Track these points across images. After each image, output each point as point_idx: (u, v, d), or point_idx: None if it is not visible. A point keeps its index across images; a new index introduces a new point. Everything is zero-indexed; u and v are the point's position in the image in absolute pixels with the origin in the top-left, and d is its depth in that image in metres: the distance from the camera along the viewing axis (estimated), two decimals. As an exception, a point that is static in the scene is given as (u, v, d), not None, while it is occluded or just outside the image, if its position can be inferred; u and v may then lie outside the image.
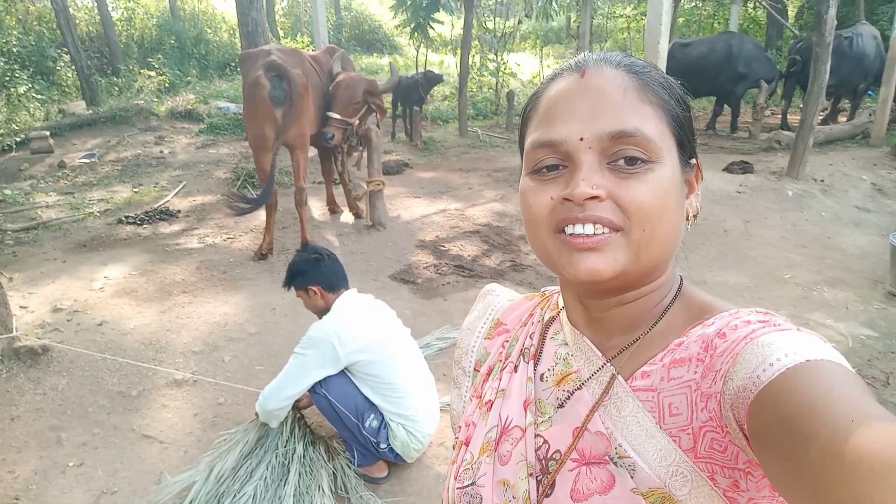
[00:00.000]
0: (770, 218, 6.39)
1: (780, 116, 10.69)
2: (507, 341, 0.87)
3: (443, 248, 5.49)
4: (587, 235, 0.63)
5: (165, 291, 4.50)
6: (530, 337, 0.83)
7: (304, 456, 2.83)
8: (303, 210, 5.32)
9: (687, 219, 0.72)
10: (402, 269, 5.03)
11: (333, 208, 6.49)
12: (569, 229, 0.64)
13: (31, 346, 3.55)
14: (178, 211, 6.64)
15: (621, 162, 0.64)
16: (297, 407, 2.98)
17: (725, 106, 10.47)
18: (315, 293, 2.80)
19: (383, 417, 2.75)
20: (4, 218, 6.37)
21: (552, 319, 0.83)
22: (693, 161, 0.72)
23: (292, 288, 2.88)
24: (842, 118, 10.58)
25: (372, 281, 4.75)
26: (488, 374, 0.86)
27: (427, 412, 2.84)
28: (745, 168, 7.50)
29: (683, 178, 0.70)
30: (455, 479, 0.80)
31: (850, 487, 0.43)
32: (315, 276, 2.80)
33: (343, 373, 2.74)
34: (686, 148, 0.70)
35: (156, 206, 6.74)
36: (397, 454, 2.78)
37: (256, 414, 2.88)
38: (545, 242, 0.68)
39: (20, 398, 3.27)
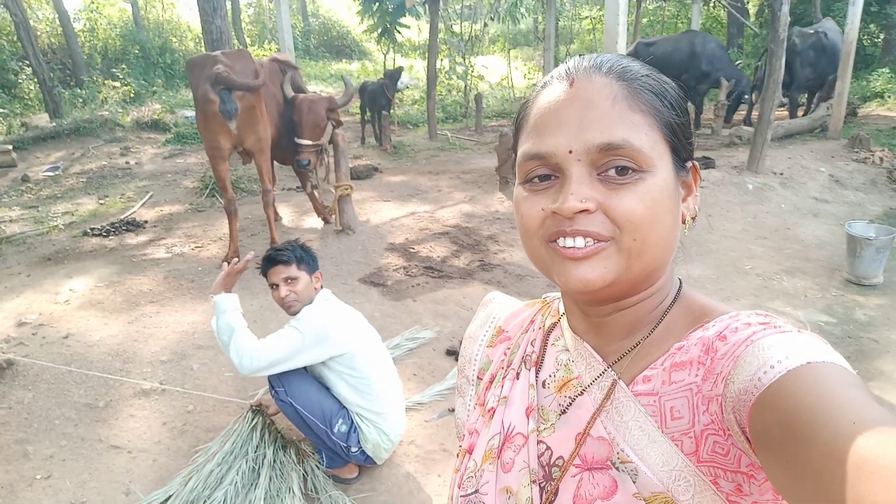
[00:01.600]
0: (732, 211, 6.55)
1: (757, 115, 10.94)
2: (509, 349, 0.88)
3: (412, 250, 5.53)
4: (577, 248, 0.64)
5: (132, 302, 4.47)
6: (531, 344, 0.84)
7: (274, 460, 2.85)
8: (270, 211, 5.31)
9: (684, 221, 0.71)
10: (372, 272, 5.06)
11: (326, 218, 6.25)
12: (560, 241, 0.65)
13: (-6, 361, 3.51)
14: (145, 221, 6.58)
15: (612, 172, 0.63)
16: (265, 413, 3.00)
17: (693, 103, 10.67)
18: (316, 279, 2.80)
19: (352, 421, 2.77)
20: (-34, 234, 6.26)
21: (553, 326, 0.83)
22: (689, 164, 0.72)
23: (294, 265, 2.73)
24: (799, 112, 10.86)
25: (342, 284, 4.77)
26: (491, 382, 0.87)
27: (398, 411, 2.87)
28: (707, 163, 7.67)
29: (679, 182, 0.69)
30: (458, 487, 0.80)
31: (853, 490, 0.42)
32: (317, 264, 2.84)
33: (308, 377, 2.75)
34: (681, 152, 0.69)
35: (122, 217, 6.68)
36: (368, 456, 2.81)
37: (256, 408, 2.97)
38: (538, 251, 0.68)
39: (-16, 414, 3.23)
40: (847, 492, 0.43)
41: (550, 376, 0.78)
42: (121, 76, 14.39)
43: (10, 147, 9.56)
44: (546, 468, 0.72)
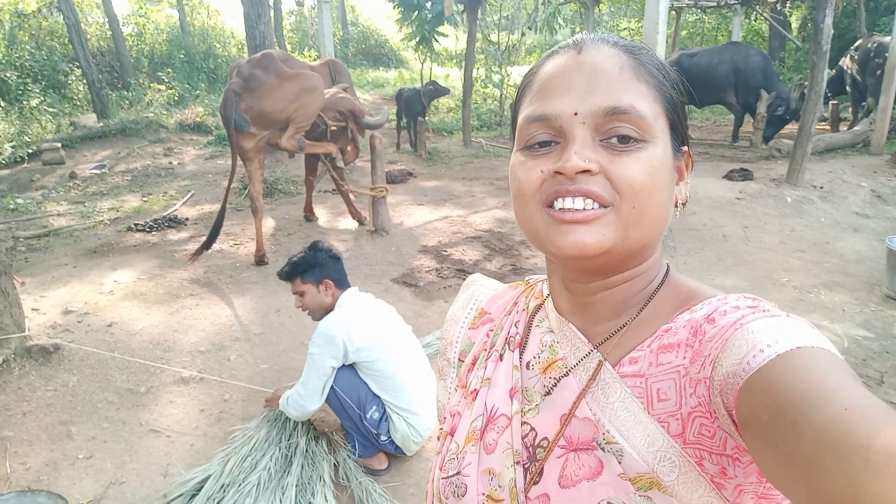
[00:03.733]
0: (769, 224, 6.46)
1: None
2: (492, 330, 0.87)
3: (445, 253, 5.59)
4: (576, 210, 0.63)
5: (173, 294, 4.61)
6: (515, 325, 0.83)
7: (306, 449, 2.92)
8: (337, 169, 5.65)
9: (675, 205, 0.71)
10: (405, 273, 5.13)
11: (309, 216, 6.56)
12: (558, 203, 0.64)
13: (42, 344, 3.66)
14: (186, 219, 6.77)
15: (614, 140, 0.63)
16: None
17: (746, 115, 10.39)
18: (325, 288, 2.85)
19: (385, 410, 2.83)
20: (17, 226, 6.52)
21: (538, 307, 0.82)
22: (684, 148, 0.72)
23: (297, 280, 2.85)
24: (843, 127, 10.65)
25: (374, 284, 4.84)
26: (473, 364, 0.86)
27: (428, 406, 2.91)
28: (745, 175, 7.58)
29: (674, 164, 0.69)
30: (440, 470, 0.80)
31: (845, 477, 0.42)
32: (330, 270, 2.87)
33: (348, 365, 2.82)
34: (678, 133, 0.70)
35: (164, 214, 6.88)
36: (397, 446, 2.86)
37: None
38: (533, 217, 0.67)
39: (32, 394, 3.37)
40: (839, 479, 0.43)
41: (535, 357, 0.77)
42: (166, 80, 14.80)
43: (59, 145, 9.93)
44: (530, 449, 0.71)
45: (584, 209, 0.63)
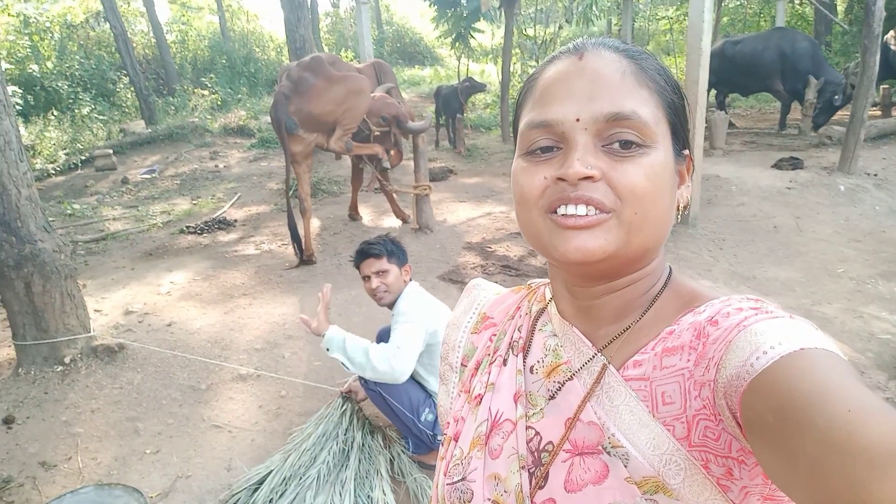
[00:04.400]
0: (822, 213, 6.29)
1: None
2: (495, 335, 0.87)
3: (489, 250, 5.61)
4: (579, 216, 0.63)
5: (227, 294, 4.74)
6: (518, 330, 0.83)
7: (362, 444, 2.97)
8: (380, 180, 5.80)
9: (677, 209, 0.71)
10: (450, 270, 5.17)
11: (354, 215, 6.72)
12: (561, 210, 0.64)
13: (107, 344, 3.82)
14: (235, 220, 6.94)
15: (616, 145, 0.63)
16: (354, 400, 3.13)
17: (794, 102, 10.06)
18: (406, 272, 2.90)
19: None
20: (75, 230, 6.78)
21: (541, 311, 0.82)
22: (685, 152, 0.72)
23: (385, 258, 2.84)
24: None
25: (421, 281, 4.84)
26: (476, 369, 0.86)
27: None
28: (795, 164, 7.39)
29: (675, 169, 0.69)
30: (444, 476, 0.79)
31: (849, 477, 0.42)
32: (407, 258, 2.95)
33: None
34: (679, 137, 0.70)
35: (214, 216, 7.07)
36: (451, 444, 2.88)
37: (346, 395, 3.09)
38: (536, 223, 0.67)
39: (99, 392, 3.51)
40: (843, 480, 0.42)
41: (538, 362, 0.77)
42: (209, 85, 15.18)
43: (111, 151, 10.28)
44: (535, 454, 0.71)
45: (587, 215, 0.63)
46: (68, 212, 7.52)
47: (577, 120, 0.64)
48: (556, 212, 0.64)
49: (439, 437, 2.79)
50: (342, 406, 3.14)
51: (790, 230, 5.85)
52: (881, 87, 10.30)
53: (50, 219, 7.18)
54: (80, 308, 3.83)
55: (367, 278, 2.89)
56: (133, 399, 3.47)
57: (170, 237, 6.41)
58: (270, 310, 4.47)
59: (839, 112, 9.49)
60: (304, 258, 5.33)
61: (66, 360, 3.67)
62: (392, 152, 6.00)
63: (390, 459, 2.95)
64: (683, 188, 0.72)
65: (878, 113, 9.85)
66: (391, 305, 2.89)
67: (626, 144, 0.63)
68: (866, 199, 6.65)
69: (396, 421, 2.85)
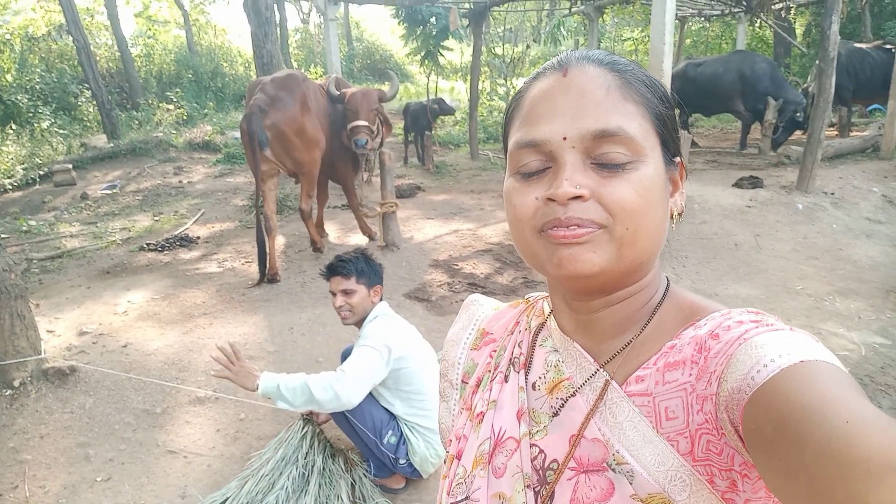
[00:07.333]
0: (781, 231, 6.43)
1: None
2: (495, 351, 0.86)
3: (456, 267, 5.59)
4: (570, 233, 0.63)
5: (187, 314, 4.63)
6: (518, 345, 0.82)
7: (323, 468, 2.90)
8: (308, 223, 5.74)
9: (671, 217, 0.71)
10: (416, 288, 5.13)
11: (320, 233, 6.49)
12: (553, 231, 0.64)
13: (59, 367, 3.67)
14: (198, 237, 6.81)
15: (604, 162, 0.64)
16: (316, 422, 3.06)
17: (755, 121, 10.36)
18: (374, 293, 2.83)
19: (402, 433, 2.81)
20: (30, 248, 6.58)
21: (540, 326, 0.81)
22: (677, 159, 0.72)
23: (353, 278, 2.75)
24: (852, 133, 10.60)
25: (387, 299, 4.80)
26: (477, 386, 0.85)
27: (446, 425, 2.89)
28: (755, 183, 7.54)
29: (668, 177, 0.69)
30: (448, 495, 0.78)
31: (847, 489, 0.42)
32: (380, 278, 2.88)
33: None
34: (670, 146, 0.69)
35: (175, 233, 6.93)
36: (414, 469, 2.83)
37: (307, 417, 2.98)
38: (530, 242, 0.67)
39: (49, 417, 3.38)
40: (841, 491, 0.43)
41: (540, 378, 0.76)
42: (175, 99, 14.98)
43: (71, 166, 10.04)
44: (540, 472, 0.70)
45: (579, 227, 0.63)
46: (24, 228, 7.30)
47: (565, 138, 0.64)
48: (548, 231, 0.65)
49: (401, 462, 2.76)
50: (303, 428, 3.07)
51: (750, 248, 5.96)
52: (839, 107, 10.64)
53: (4, 235, 6.99)
54: (31, 329, 3.69)
55: (333, 294, 2.84)
56: (84, 424, 3.34)
57: (129, 255, 6.25)
58: (231, 329, 4.37)
59: (797, 132, 9.77)
60: (268, 276, 5.23)
61: (15, 383, 3.53)
62: (383, 128, 6.01)
63: (352, 483, 2.88)
64: (677, 195, 0.72)
65: (835, 133, 10.15)
66: (359, 325, 2.84)
67: (614, 165, 0.64)
68: (824, 217, 6.82)
69: (359, 442, 2.80)
